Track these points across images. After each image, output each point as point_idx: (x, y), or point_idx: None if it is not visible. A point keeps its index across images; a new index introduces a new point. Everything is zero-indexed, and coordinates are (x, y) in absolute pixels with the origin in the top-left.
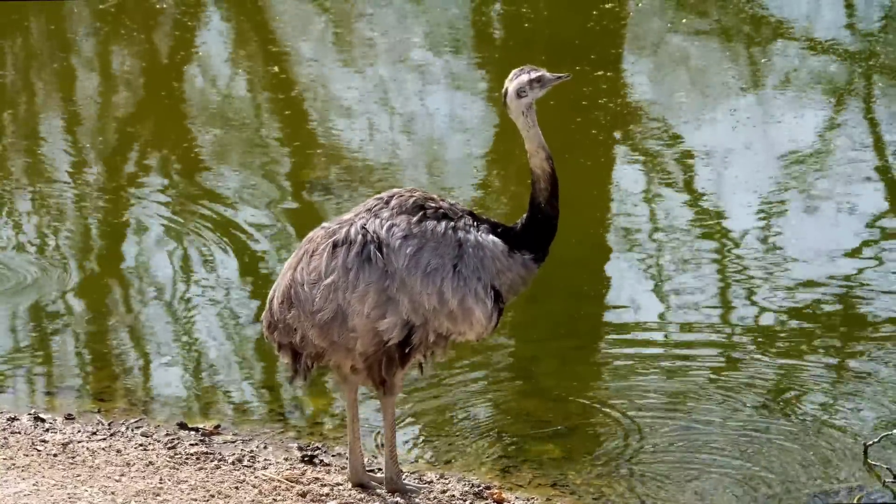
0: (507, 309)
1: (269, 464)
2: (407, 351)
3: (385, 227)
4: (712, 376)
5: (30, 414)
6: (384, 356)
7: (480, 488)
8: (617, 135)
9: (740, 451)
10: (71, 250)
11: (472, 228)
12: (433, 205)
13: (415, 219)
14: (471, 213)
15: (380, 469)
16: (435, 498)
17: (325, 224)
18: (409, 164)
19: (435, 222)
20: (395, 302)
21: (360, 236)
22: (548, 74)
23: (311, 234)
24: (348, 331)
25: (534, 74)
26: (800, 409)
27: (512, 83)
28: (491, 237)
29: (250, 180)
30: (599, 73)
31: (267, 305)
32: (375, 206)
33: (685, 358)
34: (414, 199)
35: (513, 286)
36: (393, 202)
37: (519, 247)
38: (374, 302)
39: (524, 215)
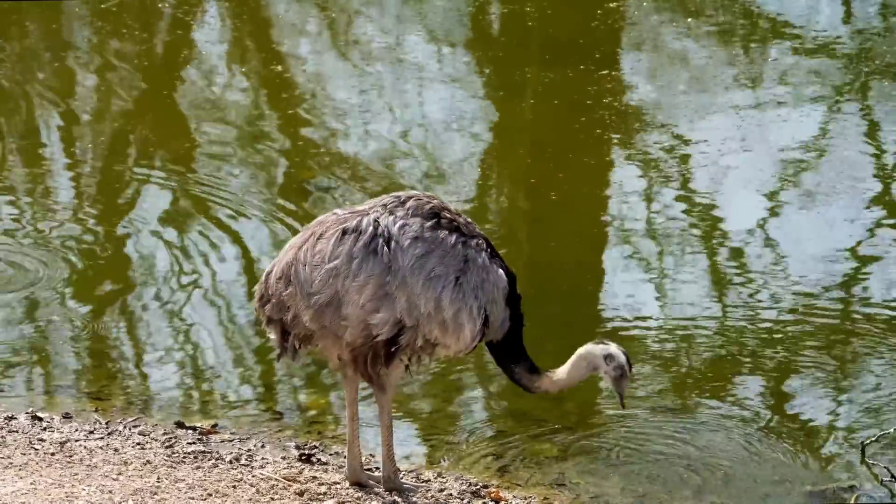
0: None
1: (267, 462)
2: (393, 350)
3: (398, 225)
4: (710, 375)
5: (27, 413)
6: (370, 351)
7: (478, 487)
8: (620, 134)
9: (738, 450)
10: (68, 248)
11: (482, 252)
12: (448, 216)
13: (428, 224)
14: (486, 239)
15: (378, 468)
16: (432, 497)
17: (337, 210)
18: (408, 163)
19: (447, 232)
20: (391, 299)
21: (370, 228)
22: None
23: (321, 218)
24: (340, 318)
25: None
26: (797, 408)
27: (619, 353)
28: (501, 271)
29: (249, 179)
30: (604, 72)
31: (262, 278)
32: (391, 203)
33: (683, 357)
34: (431, 205)
35: (493, 323)
36: (409, 203)
37: (509, 308)
38: (372, 294)
39: (523, 356)
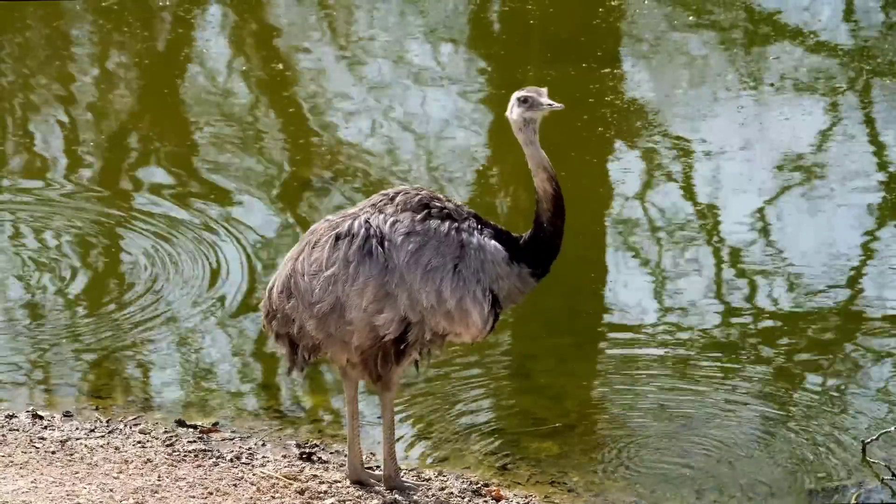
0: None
1: (268, 461)
2: (403, 347)
3: (388, 223)
4: (710, 374)
5: (28, 411)
6: (380, 351)
7: (479, 486)
8: (622, 131)
9: (739, 449)
10: (69, 247)
11: (475, 231)
12: (438, 204)
13: (419, 217)
14: (476, 216)
15: (378, 466)
16: (433, 495)
17: (328, 217)
18: (409, 160)
19: (438, 222)
20: (393, 297)
21: (362, 230)
22: (538, 98)
23: (314, 227)
24: (345, 324)
25: (520, 94)
26: (798, 406)
27: (512, 99)
28: (493, 242)
29: (251, 177)
30: (605, 69)
31: (266, 295)
32: (380, 201)
33: (683, 355)
34: (419, 197)
35: (510, 294)
36: (398, 199)
37: (519, 259)
38: (373, 296)
39: (529, 230)
